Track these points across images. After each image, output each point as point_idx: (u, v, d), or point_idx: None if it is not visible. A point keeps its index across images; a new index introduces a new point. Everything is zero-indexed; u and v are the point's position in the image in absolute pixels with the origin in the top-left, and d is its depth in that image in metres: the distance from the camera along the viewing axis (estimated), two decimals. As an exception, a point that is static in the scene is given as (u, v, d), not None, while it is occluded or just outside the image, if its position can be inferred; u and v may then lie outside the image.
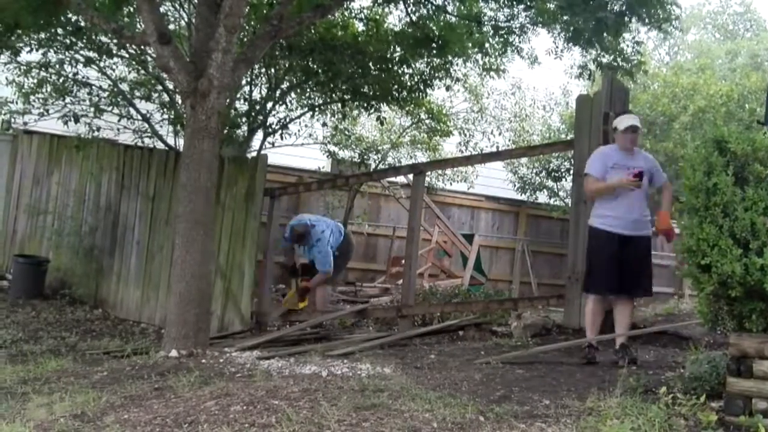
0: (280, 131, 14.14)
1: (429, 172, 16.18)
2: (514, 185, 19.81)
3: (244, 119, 13.56)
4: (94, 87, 12.82)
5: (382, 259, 18.43)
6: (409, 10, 12.39)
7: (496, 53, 13.28)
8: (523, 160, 19.37)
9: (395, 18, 13.62)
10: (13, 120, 12.77)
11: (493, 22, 12.40)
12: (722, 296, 5.35)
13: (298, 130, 14.91)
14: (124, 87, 12.99)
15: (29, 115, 12.73)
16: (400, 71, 13.38)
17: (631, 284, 7.67)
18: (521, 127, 19.28)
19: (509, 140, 19.07)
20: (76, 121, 12.62)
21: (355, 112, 15.42)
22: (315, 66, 12.99)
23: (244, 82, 13.01)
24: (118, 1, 10.41)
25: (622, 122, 7.84)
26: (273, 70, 13.62)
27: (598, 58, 11.73)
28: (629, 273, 7.61)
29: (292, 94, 14.21)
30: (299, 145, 15.16)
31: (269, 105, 13.77)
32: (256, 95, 13.84)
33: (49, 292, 12.60)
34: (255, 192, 11.40)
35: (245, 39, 11.34)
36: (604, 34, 10.86)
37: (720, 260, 5.18)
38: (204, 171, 8.50)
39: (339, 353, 8.50)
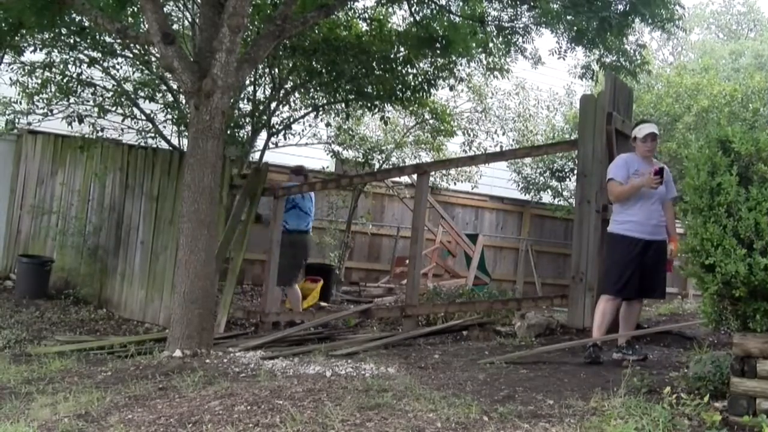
0: (283, 131, 14.17)
1: (433, 172, 16.21)
2: (518, 185, 19.82)
3: (247, 119, 13.57)
4: (98, 87, 12.83)
5: (386, 259, 18.44)
6: (412, 9, 12.39)
7: (500, 53, 13.28)
8: (527, 160, 19.37)
9: (399, 18, 13.65)
10: (17, 120, 12.77)
11: (497, 22, 12.39)
12: (726, 296, 5.35)
13: (302, 130, 14.91)
14: (128, 87, 13.00)
15: (33, 115, 12.74)
16: (403, 71, 13.38)
17: (649, 287, 7.75)
18: (525, 126, 19.24)
19: (513, 140, 19.04)
20: (80, 121, 12.64)
21: (359, 112, 15.42)
22: (319, 66, 12.99)
23: (247, 82, 13.03)
24: (122, 1, 10.41)
25: (641, 131, 7.93)
26: (277, 70, 13.64)
27: (602, 58, 11.73)
28: (648, 276, 7.68)
29: (296, 94, 14.22)
30: (303, 145, 15.16)
31: (273, 105, 13.78)
32: (259, 95, 13.84)
33: (54, 292, 12.62)
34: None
35: (249, 39, 11.36)
36: (608, 34, 10.85)
37: (724, 260, 5.18)
38: (208, 171, 8.51)
39: (343, 353, 8.52)
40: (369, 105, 13.89)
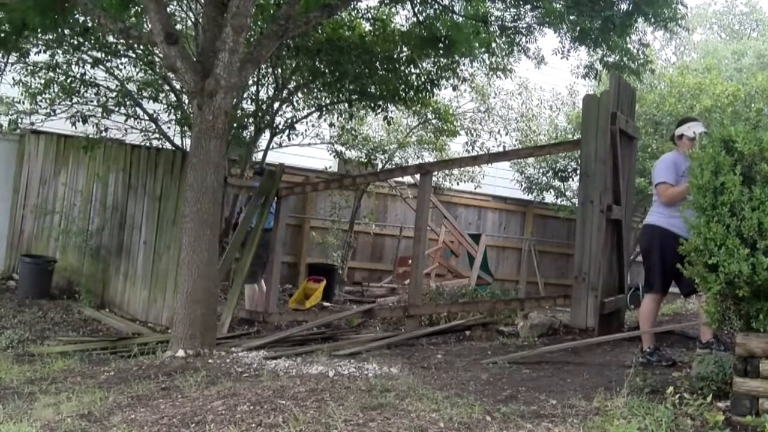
0: (287, 131, 14.15)
1: (436, 172, 16.22)
2: (521, 185, 19.77)
3: (251, 119, 13.57)
4: (101, 87, 12.82)
5: (388, 259, 18.44)
6: (415, 10, 12.39)
7: (503, 53, 13.27)
8: (530, 160, 19.32)
9: (402, 18, 13.65)
10: (20, 120, 12.77)
11: (500, 22, 12.40)
12: (729, 296, 5.35)
13: (305, 130, 14.91)
14: (132, 87, 12.99)
15: (36, 115, 12.74)
16: (406, 71, 13.38)
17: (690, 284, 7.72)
18: (528, 126, 19.22)
19: (516, 140, 19.02)
20: (84, 121, 12.63)
21: (362, 112, 15.43)
22: (322, 66, 12.99)
23: (251, 82, 13.02)
24: (126, 1, 10.41)
25: (692, 128, 7.82)
26: (280, 70, 13.63)
27: (605, 58, 11.71)
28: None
29: (299, 94, 14.22)
30: (306, 145, 15.17)
31: (276, 105, 13.78)
32: (263, 95, 13.85)
33: (56, 292, 12.62)
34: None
35: (252, 39, 11.35)
36: (611, 34, 10.84)
37: (727, 260, 5.17)
38: (211, 171, 8.51)
39: (346, 353, 8.52)
40: (372, 105, 13.88)
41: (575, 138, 15.48)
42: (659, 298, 7.83)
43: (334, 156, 16.22)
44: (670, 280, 7.65)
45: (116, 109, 12.82)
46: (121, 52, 12.68)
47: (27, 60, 12.33)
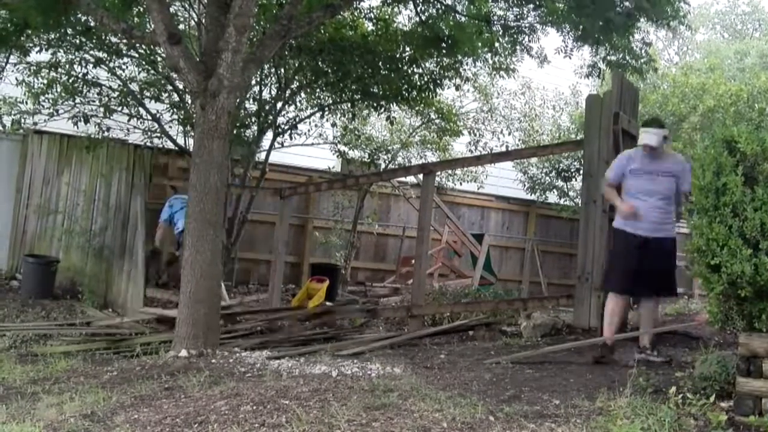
0: (289, 131, 14.15)
1: (439, 172, 16.18)
2: (524, 185, 19.76)
3: (253, 119, 13.58)
4: (104, 87, 12.83)
5: (391, 259, 18.42)
6: (418, 9, 12.38)
7: (506, 53, 13.24)
8: (533, 159, 19.30)
9: (405, 18, 13.63)
10: (23, 120, 12.77)
11: (503, 22, 12.38)
12: (732, 296, 5.35)
13: (308, 130, 14.90)
14: (134, 87, 13.00)
15: (39, 115, 12.74)
16: (409, 71, 13.38)
17: (653, 285, 7.71)
18: (531, 126, 19.20)
19: (519, 140, 19.01)
20: (86, 121, 12.64)
21: (365, 111, 15.41)
22: (325, 66, 12.99)
23: (253, 82, 13.02)
24: (128, 1, 10.42)
25: (640, 138, 7.87)
26: (283, 70, 13.63)
27: (608, 57, 11.71)
28: (651, 274, 7.62)
29: (302, 94, 14.21)
30: (309, 144, 15.15)
31: (279, 105, 13.78)
32: (265, 95, 13.85)
33: (60, 292, 12.63)
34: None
35: (255, 39, 11.36)
36: (613, 34, 10.83)
37: (730, 260, 5.17)
38: (214, 171, 8.50)
39: (349, 353, 8.52)
40: (375, 105, 13.89)
41: (578, 138, 15.48)
42: (620, 298, 7.82)
43: (337, 156, 16.19)
44: (622, 279, 7.68)
45: (119, 108, 12.83)
46: (124, 51, 12.69)
47: (29, 59, 12.33)
